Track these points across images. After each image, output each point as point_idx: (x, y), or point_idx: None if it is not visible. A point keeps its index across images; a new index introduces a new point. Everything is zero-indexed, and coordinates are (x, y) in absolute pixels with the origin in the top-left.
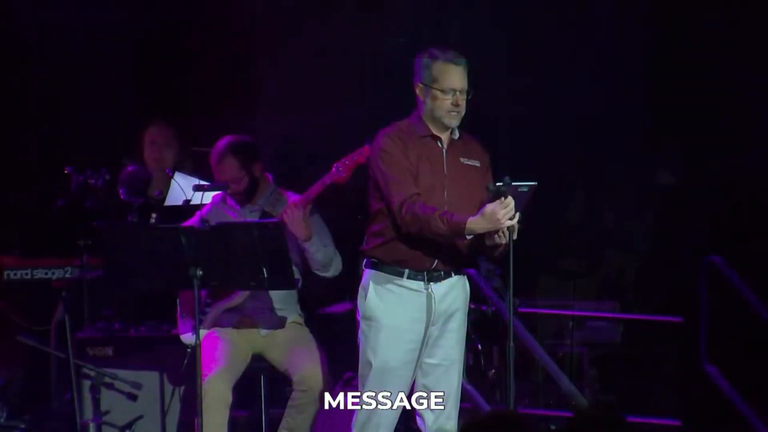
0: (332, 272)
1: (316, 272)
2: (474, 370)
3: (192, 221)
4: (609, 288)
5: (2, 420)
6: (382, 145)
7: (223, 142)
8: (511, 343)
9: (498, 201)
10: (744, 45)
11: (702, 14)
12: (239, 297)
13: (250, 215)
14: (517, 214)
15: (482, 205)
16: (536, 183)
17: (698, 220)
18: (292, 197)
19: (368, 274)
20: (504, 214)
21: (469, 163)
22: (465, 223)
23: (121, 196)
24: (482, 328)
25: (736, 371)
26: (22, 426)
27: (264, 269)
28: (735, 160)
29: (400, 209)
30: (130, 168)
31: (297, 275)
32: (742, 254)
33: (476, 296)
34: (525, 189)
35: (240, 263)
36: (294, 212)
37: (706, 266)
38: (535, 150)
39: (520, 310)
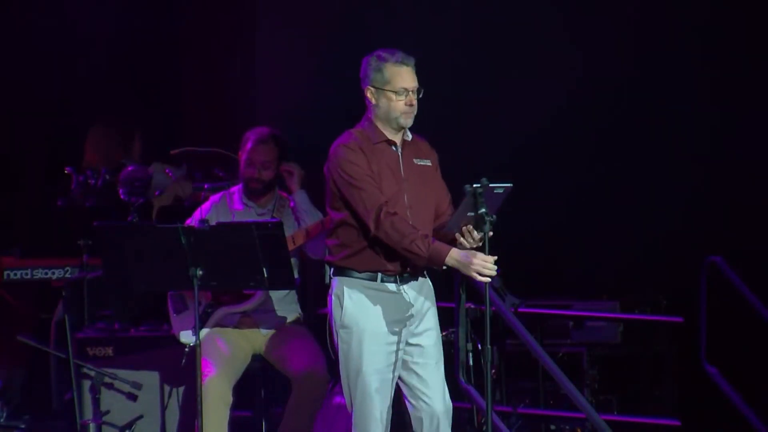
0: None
1: (314, 256)
2: (474, 370)
3: (191, 220)
4: (609, 288)
5: (2, 420)
6: (344, 155)
7: (265, 128)
8: (487, 322)
9: (486, 258)
10: (748, 45)
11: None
12: (254, 302)
13: (258, 218)
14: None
15: (457, 205)
16: (511, 184)
17: (698, 220)
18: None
19: (339, 282)
20: (483, 267)
21: (422, 163)
22: (447, 254)
23: (121, 196)
24: (482, 328)
25: (736, 371)
26: (22, 426)
27: (264, 269)
28: (736, 159)
29: (377, 218)
30: (130, 168)
31: (296, 275)
32: (742, 254)
33: (476, 296)
34: (500, 190)
35: (240, 263)
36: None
37: (706, 266)
38: (536, 149)
39: (520, 310)
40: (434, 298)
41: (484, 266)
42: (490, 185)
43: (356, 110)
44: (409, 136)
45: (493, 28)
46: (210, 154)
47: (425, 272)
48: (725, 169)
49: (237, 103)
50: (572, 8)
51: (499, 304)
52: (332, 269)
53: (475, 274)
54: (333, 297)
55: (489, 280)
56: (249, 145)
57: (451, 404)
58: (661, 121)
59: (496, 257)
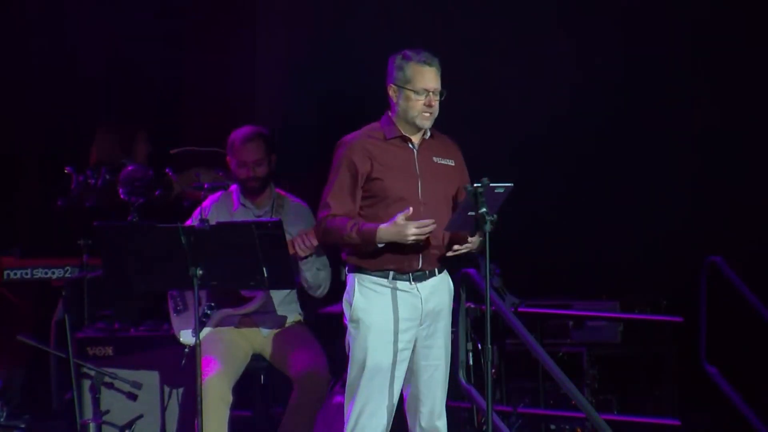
0: (320, 293)
1: (305, 288)
2: (474, 370)
3: (191, 220)
4: (609, 288)
5: (2, 420)
6: (338, 155)
7: (247, 128)
8: (487, 322)
9: (416, 221)
10: (748, 45)
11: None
12: (254, 305)
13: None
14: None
15: (458, 205)
16: (512, 184)
17: (698, 220)
18: (291, 198)
19: (353, 278)
20: (414, 232)
21: (442, 162)
22: (375, 231)
23: (121, 196)
24: (482, 328)
25: (736, 371)
26: (22, 426)
27: (264, 269)
28: (736, 159)
29: (318, 223)
30: (130, 168)
31: (297, 275)
32: (742, 254)
33: (476, 296)
34: (501, 190)
35: (240, 263)
36: (307, 240)
37: (706, 266)
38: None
39: (520, 309)
40: (452, 297)
41: (417, 231)
42: (491, 185)
43: (356, 110)
44: (428, 134)
45: (493, 27)
46: (210, 153)
47: (444, 269)
48: (725, 169)
49: (237, 103)
50: (572, 8)
51: (499, 304)
52: (347, 266)
53: (412, 238)
54: (345, 293)
55: (422, 236)
56: (237, 146)
57: (444, 419)
58: (660, 121)
59: (432, 221)
